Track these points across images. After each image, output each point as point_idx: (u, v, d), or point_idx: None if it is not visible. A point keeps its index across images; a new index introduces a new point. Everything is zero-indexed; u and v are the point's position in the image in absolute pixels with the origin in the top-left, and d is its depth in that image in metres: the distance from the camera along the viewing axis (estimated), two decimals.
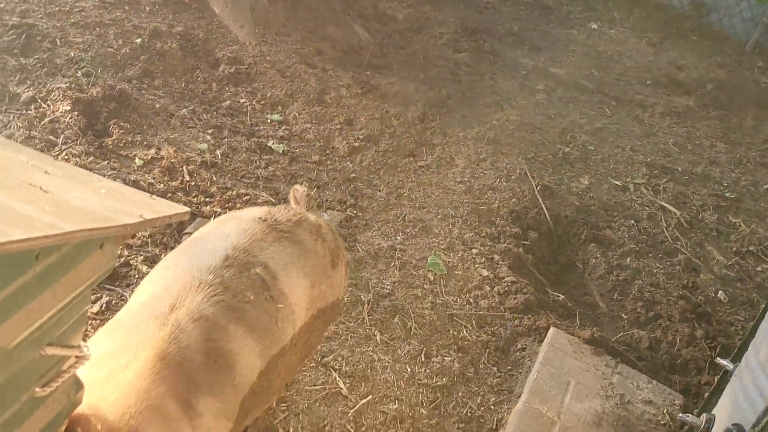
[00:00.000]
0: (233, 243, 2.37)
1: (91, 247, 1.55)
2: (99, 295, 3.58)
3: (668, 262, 5.06)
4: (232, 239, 2.38)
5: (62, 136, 4.44)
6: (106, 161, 4.37)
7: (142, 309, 2.20)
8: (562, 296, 4.55)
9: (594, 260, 4.93)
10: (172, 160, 4.53)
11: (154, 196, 1.81)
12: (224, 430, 2.22)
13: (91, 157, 4.34)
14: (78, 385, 1.79)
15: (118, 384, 2.00)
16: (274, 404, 3.37)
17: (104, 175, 4.09)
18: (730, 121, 7.36)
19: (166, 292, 2.22)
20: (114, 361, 2.05)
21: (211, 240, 2.42)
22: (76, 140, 4.43)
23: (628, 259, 4.96)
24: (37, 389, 1.57)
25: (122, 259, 3.80)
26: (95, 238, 1.51)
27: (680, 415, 3.42)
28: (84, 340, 1.75)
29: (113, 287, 3.66)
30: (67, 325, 1.58)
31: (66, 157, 4.26)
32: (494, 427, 3.58)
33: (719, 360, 3.43)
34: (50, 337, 1.53)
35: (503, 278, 4.47)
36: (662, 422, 3.72)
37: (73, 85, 4.83)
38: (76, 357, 1.68)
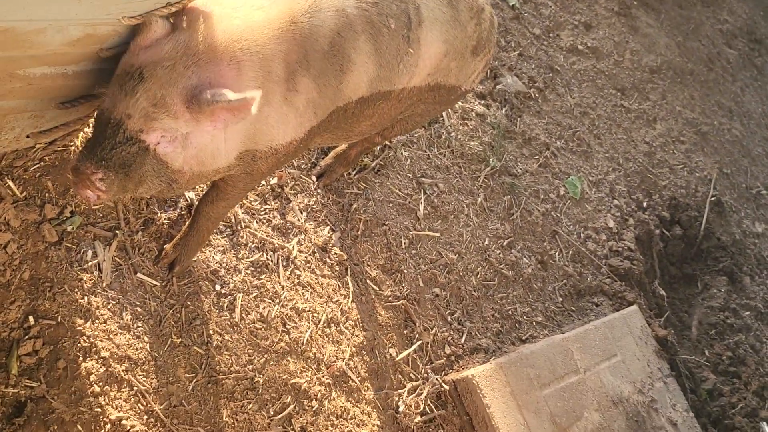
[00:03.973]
0: None
1: None
2: None
3: None
4: None
5: None
6: None
7: None
8: (664, 293, 4.25)
9: (716, 291, 4.55)
10: None
11: None
12: (306, 124, 2.19)
13: None
14: None
15: (246, 16, 1.97)
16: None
17: None
18: None
19: None
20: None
21: None
22: None
23: (747, 313, 4.56)
24: None
25: None
26: None
27: None
28: None
29: None
30: None
31: None
32: (523, 338, 3.43)
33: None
34: None
35: (623, 240, 4.21)
36: None
37: None
38: None
